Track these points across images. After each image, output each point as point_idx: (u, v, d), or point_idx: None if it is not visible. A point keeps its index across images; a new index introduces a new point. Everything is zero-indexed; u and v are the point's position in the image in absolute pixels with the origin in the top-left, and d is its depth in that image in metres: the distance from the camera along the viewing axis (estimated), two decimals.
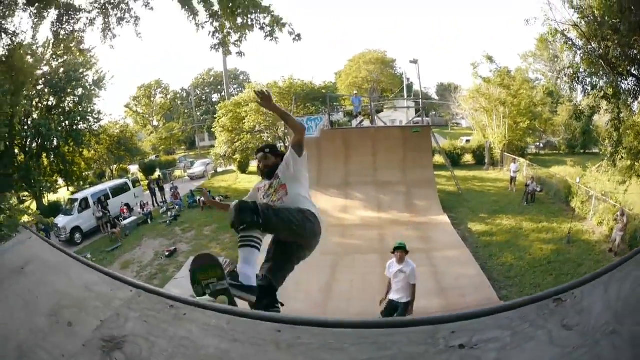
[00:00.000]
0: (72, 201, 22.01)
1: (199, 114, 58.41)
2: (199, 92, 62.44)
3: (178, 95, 60.40)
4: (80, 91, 28.12)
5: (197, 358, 1.71)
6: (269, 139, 24.85)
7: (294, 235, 3.24)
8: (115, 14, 8.25)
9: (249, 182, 28.66)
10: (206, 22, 7.46)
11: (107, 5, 8.16)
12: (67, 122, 27.16)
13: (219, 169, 35.04)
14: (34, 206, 23.83)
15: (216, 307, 2.00)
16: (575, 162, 25.74)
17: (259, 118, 23.43)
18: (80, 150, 28.82)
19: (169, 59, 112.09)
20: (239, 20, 7.40)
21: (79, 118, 27.95)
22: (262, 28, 7.33)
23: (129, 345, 1.79)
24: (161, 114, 56.25)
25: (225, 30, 7.53)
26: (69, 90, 27.35)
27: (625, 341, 1.58)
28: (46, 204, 24.99)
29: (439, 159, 25.91)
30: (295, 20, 7.35)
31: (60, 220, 19.98)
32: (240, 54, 7.91)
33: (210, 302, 2.21)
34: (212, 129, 28.62)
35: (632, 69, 14.01)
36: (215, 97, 62.21)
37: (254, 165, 32.57)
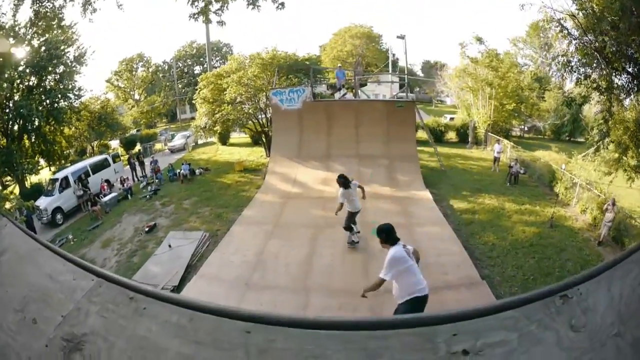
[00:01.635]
0: (53, 181, 21.56)
1: (180, 86, 57.81)
2: (180, 65, 61.74)
3: (160, 68, 59.85)
4: (61, 68, 27.69)
5: None
6: (250, 110, 24.43)
7: None
8: None
9: (230, 154, 28.91)
10: None
11: None
12: (47, 101, 26.78)
13: (200, 141, 34.80)
14: (17, 190, 23.65)
15: (178, 299, 1.63)
16: (560, 149, 25.92)
17: (240, 89, 22.91)
18: (61, 128, 28.54)
19: (151, 31, 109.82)
20: None
21: (59, 96, 27.50)
22: None
23: (89, 346, 1.55)
24: (143, 88, 55.89)
25: None
26: (50, 69, 26.85)
27: (628, 344, 1.40)
28: (28, 187, 24.62)
29: (422, 134, 25.77)
30: None
31: (42, 202, 19.58)
32: (221, 22, 7.69)
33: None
34: (193, 101, 28.21)
35: (628, 67, 13.98)
36: (198, 69, 61.72)
37: (234, 136, 33.44)
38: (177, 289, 11.46)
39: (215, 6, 7.58)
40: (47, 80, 27.25)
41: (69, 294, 1.84)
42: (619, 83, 14.59)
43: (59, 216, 19.73)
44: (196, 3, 7.45)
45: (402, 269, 6.21)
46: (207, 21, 7.86)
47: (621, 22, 12.85)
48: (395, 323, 1.40)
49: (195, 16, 7.62)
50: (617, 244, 13.53)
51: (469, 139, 30.60)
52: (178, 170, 22.89)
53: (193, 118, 37.11)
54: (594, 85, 15.03)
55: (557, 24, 15.22)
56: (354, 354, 1.30)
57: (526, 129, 38.42)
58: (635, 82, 14.18)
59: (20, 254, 2.37)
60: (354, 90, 23.68)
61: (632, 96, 14.66)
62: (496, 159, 22.74)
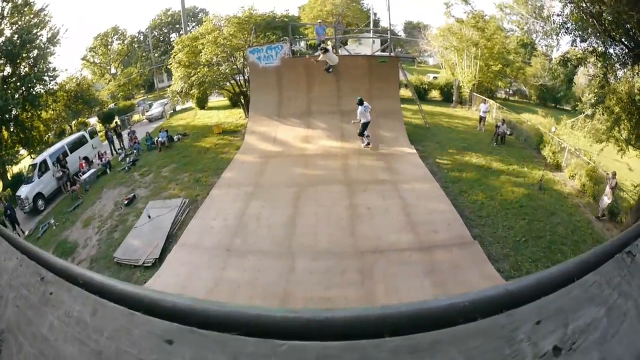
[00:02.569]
0: (32, 167, 20.74)
1: (157, 55, 56.60)
2: (156, 34, 60.24)
3: (135, 39, 58.12)
4: (35, 52, 26.71)
5: None
6: (227, 71, 23.78)
7: None
8: None
9: (208, 118, 28.26)
10: None
11: None
12: (23, 88, 25.85)
13: (178, 108, 34.09)
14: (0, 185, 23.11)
15: (84, 277, 1.05)
16: (546, 114, 26.01)
17: (216, 49, 22.14)
18: (39, 112, 27.58)
19: (125, 2, 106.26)
20: None
21: (34, 80, 26.51)
22: None
23: (5, 347, 1.14)
24: (119, 61, 54.46)
25: None
26: (24, 55, 25.89)
27: None
28: (10, 178, 23.91)
29: (404, 92, 25.28)
30: None
31: (23, 191, 18.81)
32: None
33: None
34: (169, 66, 27.39)
35: (623, 39, 13.81)
36: (174, 36, 59.96)
37: (213, 100, 32.56)
38: (159, 261, 11.14)
39: None
40: (22, 66, 26.33)
41: None
42: (615, 52, 14.55)
43: (40, 202, 19.01)
44: None
45: (364, 113, 15.39)
46: None
47: None
48: (448, 311, 0.76)
49: None
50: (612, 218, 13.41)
51: (453, 98, 30.35)
52: (156, 139, 22.22)
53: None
54: (590, 48, 14.99)
55: None
56: None
57: (511, 92, 38.07)
58: (629, 55, 14.01)
59: None
60: (334, 49, 23.09)
61: (625, 69, 14.55)
62: (482, 119, 22.45)
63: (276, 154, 17.13)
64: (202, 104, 31.42)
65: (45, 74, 27.49)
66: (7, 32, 24.33)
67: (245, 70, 23.75)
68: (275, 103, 19.61)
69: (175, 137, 22.87)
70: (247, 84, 24.36)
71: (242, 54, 23.46)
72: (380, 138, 17.51)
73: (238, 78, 25.06)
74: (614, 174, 13.36)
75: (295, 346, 0.71)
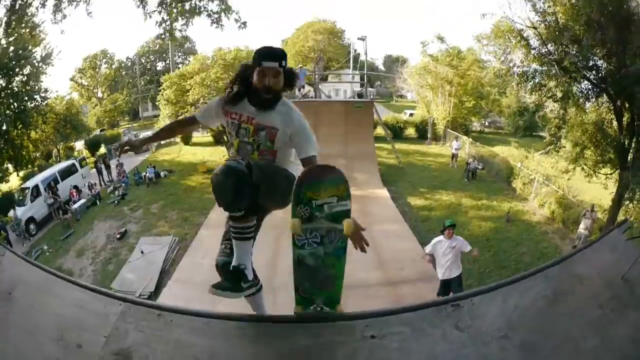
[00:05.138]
0: (23, 190, 21.00)
1: (142, 83, 56.20)
2: (143, 61, 60.19)
3: (123, 65, 57.95)
4: (28, 69, 26.10)
5: (192, 355, 2.11)
6: None
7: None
8: None
9: (193, 154, 28.85)
10: (154, 11, 7.50)
11: None
12: (15, 104, 25.21)
13: (163, 142, 33.83)
14: None
15: (190, 311, 2.43)
16: (519, 144, 26.67)
17: (203, 90, 22.99)
18: (28, 132, 26.87)
19: (116, 27, 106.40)
20: (187, 5, 7.50)
21: (26, 98, 25.94)
22: (209, 15, 7.48)
23: (136, 354, 2.13)
24: (105, 85, 53.99)
25: (173, 16, 7.61)
26: (17, 70, 25.24)
27: (514, 346, 1.96)
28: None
29: (381, 130, 25.84)
30: None
31: (15, 213, 18.88)
32: (185, 38, 8.06)
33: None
34: (157, 102, 28.10)
35: (589, 74, 13.80)
36: (160, 65, 60.46)
37: (197, 136, 33.08)
38: (154, 294, 11.88)
39: (180, 22, 7.85)
40: (14, 82, 25.62)
41: (104, 319, 2.39)
42: (578, 89, 14.46)
43: (32, 226, 19.08)
44: (163, 25, 7.73)
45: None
46: (174, 40, 8.21)
47: (584, 37, 12.84)
48: (329, 317, 2.29)
49: (162, 36, 7.99)
50: None
51: (428, 135, 31.27)
52: (143, 174, 22.66)
53: (155, 116, 36.62)
54: (549, 94, 15.03)
55: (517, 35, 15.13)
56: (304, 337, 2.18)
57: (487, 123, 38.99)
58: (595, 90, 14.07)
59: (34, 285, 2.69)
60: (314, 88, 24.28)
61: (592, 101, 14.56)
62: (454, 156, 23.21)
63: None
64: (187, 139, 32.05)
65: (37, 93, 26.91)
66: (3, 41, 23.35)
67: None
68: None
69: (161, 174, 23.36)
70: None
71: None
72: (355, 181, 17.94)
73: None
74: (592, 207, 13.77)
75: (291, 326, 2.24)
